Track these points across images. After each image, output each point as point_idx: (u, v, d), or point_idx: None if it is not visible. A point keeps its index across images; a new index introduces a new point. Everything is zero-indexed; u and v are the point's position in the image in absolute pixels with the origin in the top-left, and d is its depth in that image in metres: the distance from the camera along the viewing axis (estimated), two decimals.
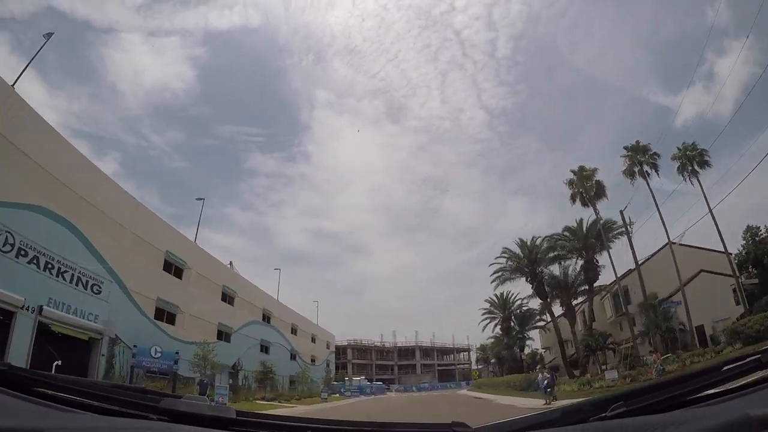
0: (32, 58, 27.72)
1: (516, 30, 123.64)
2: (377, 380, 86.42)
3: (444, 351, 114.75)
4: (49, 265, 22.97)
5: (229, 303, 45.45)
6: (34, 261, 21.93)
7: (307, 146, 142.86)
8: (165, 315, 33.91)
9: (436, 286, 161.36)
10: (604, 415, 1.62)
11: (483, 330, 71.84)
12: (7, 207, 20.38)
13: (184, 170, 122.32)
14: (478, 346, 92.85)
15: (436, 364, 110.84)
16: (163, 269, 34.81)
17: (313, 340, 72.56)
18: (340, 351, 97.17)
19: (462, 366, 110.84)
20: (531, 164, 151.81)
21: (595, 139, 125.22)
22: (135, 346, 27.56)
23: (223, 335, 41.34)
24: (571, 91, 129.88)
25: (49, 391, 1.69)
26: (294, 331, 63.62)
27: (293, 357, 60.96)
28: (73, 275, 24.70)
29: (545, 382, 29.39)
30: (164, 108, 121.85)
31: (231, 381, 41.10)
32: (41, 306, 21.70)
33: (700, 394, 1.72)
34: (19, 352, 20.06)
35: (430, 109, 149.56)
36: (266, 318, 54.59)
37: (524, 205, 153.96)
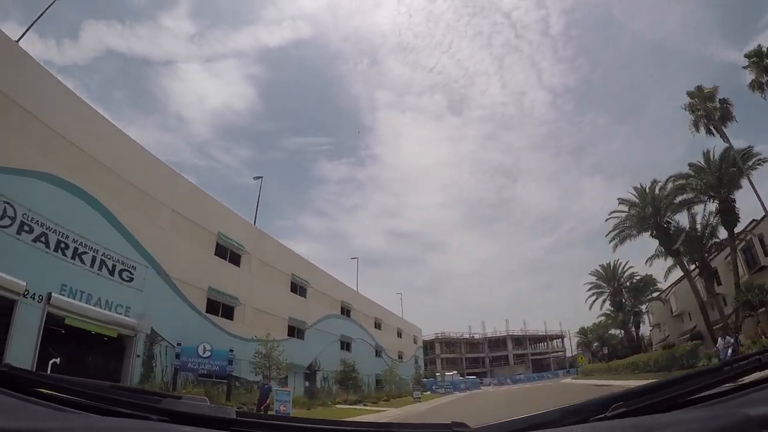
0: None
1: (566, 4, 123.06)
2: (468, 374, 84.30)
3: (536, 339, 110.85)
4: (62, 245, 19.60)
5: (300, 295, 41.48)
6: (42, 239, 18.65)
7: (374, 148, 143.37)
8: (220, 308, 30.09)
9: (519, 277, 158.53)
10: (604, 415, 1.61)
11: (590, 307, 67.00)
12: (7, 174, 17.49)
13: (255, 185, 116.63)
14: (576, 330, 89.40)
15: (529, 354, 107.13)
16: (215, 254, 30.75)
17: (399, 334, 68.97)
18: (428, 346, 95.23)
19: (556, 354, 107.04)
20: (601, 141, 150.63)
21: (664, 106, 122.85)
22: (179, 344, 23.95)
23: (295, 331, 37.33)
24: (634, 60, 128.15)
25: (49, 392, 1.71)
26: (378, 326, 59.94)
27: (378, 354, 57.40)
28: (94, 258, 21.25)
29: (728, 349, 23.92)
30: (230, 128, 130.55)
31: (307, 383, 38.33)
32: (50, 293, 18.32)
33: (700, 394, 1.70)
34: (22, 349, 17.05)
35: (491, 97, 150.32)
36: (346, 311, 51.11)
37: (600, 183, 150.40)
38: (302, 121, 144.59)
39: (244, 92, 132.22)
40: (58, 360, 16.81)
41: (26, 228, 17.60)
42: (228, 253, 31.40)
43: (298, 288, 40.43)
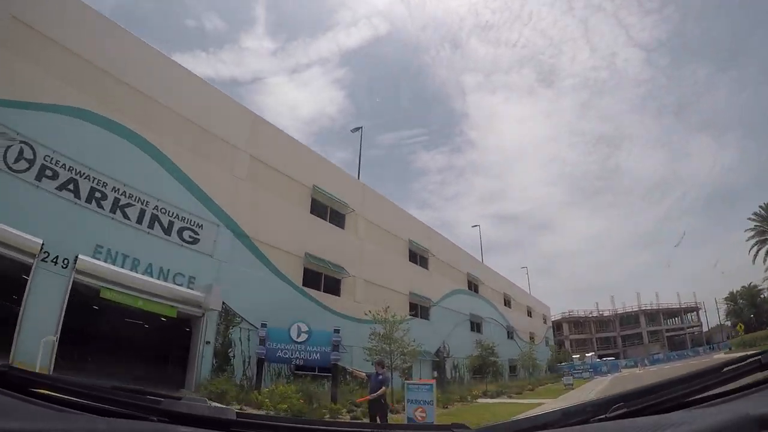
0: None
1: None
2: (599, 356, 77.02)
3: (670, 313, 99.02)
4: (98, 195, 15.72)
5: (421, 265, 35.22)
6: (69, 187, 14.95)
7: (469, 133, 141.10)
8: (322, 280, 24.65)
9: (634, 250, 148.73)
10: (605, 415, 1.63)
11: (754, 259, 59.31)
12: (26, 109, 14.33)
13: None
14: (722, 299, 77.56)
15: (664, 330, 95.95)
16: (312, 213, 25.13)
17: (530, 313, 62.93)
18: (554, 327, 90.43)
19: (692, 330, 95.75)
20: (704, 94, 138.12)
21: None
22: (263, 325, 18.40)
23: (418, 309, 30.76)
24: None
25: (49, 392, 1.68)
26: (507, 303, 53.55)
27: (510, 335, 51.07)
28: (143, 212, 16.93)
29: None
30: (326, 132, 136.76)
31: (436, 373, 31.18)
32: (77, 256, 14.11)
33: (700, 395, 1.73)
34: (38, 332, 12.33)
35: (581, 63, 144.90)
36: (473, 286, 44.25)
37: (708, 141, 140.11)
38: (394, 115, 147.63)
39: (333, 97, 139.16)
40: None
41: (48, 173, 14.45)
42: (328, 211, 26.15)
43: (417, 257, 34.68)
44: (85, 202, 15.06)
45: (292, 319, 18.09)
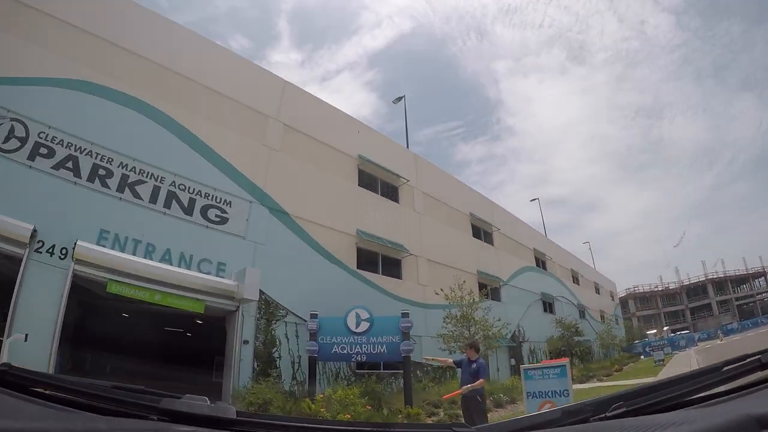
0: None
1: None
2: (672, 331, 72.52)
3: (738, 280, 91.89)
4: (101, 172, 13.38)
5: (486, 241, 31.61)
6: (68, 165, 12.91)
7: (507, 120, 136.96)
8: (380, 261, 21.45)
9: (687, 222, 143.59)
10: (604, 415, 1.61)
11: None
12: (25, 84, 12.90)
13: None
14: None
15: (734, 299, 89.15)
16: (360, 185, 22.02)
17: (597, 290, 58.58)
18: (621, 304, 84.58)
19: (761, 296, 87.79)
20: (741, 52, 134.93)
21: None
22: (313, 315, 15.36)
23: (487, 290, 25.43)
24: None
25: (49, 392, 1.70)
26: (575, 280, 49.47)
27: (582, 314, 46.52)
28: (156, 189, 14.32)
29: None
30: None
31: (513, 360, 28.16)
32: (76, 242, 11.86)
33: (700, 395, 1.73)
34: (33, 336, 10.45)
35: (610, 35, 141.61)
36: (540, 263, 40.73)
37: (751, 101, 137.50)
38: (429, 111, 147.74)
39: (366, 99, 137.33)
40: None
41: (43, 151, 12.71)
42: (378, 183, 23.14)
43: (481, 232, 31.32)
44: (87, 181, 13.02)
45: (348, 308, 15.23)
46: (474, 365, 8.51)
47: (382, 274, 20.66)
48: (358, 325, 14.73)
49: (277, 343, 14.96)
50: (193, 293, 12.93)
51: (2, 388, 1.60)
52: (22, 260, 11.01)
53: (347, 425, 1.83)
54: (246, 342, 13.94)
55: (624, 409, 1.60)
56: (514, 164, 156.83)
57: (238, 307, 13.81)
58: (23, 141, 12.26)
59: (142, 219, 13.41)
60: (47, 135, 12.72)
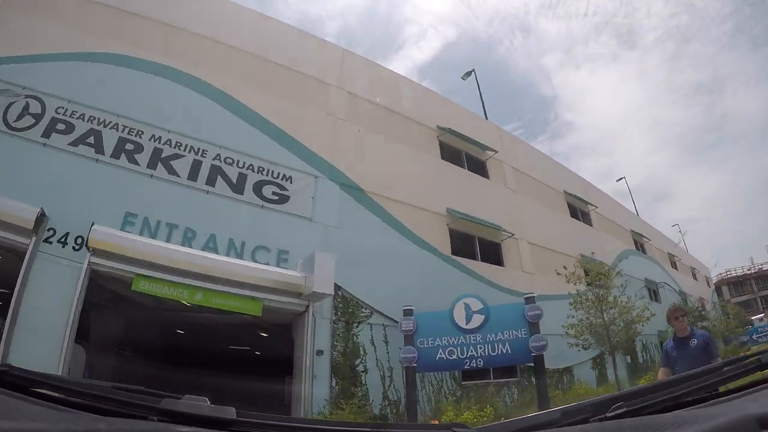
0: None
1: None
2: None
3: None
4: (128, 146, 11.21)
5: (584, 221, 26.80)
6: (88, 140, 10.93)
7: (565, 116, 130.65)
8: (476, 246, 17.39)
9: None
10: (604, 415, 1.55)
11: None
12: (44, 61, 11.55)
13: None
14: None
15: None
16: (443, 158, 18.29)
17: (694, 275, 50.86)
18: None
19: None
20: None
21: None
22: (408, 312, 11.50)
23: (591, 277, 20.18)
24: None
25: (49, 392, 1.63)
26: (674, 265, 42.74)
27: (685, 302, 39.41)
28: (197, 164, 11.78)
29: None
30: None
31: (629, 358, 23.71)
32: (92, 226, 9.43)
33: (700, 395, 1.67)
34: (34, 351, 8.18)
35: (658, 14, 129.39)
36: (638, 245, 35.23)
37: None
38: (486, 115, 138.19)
39: None
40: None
41: (60, 127, 10.78)
42: (463, 157, 19.42)
43: (578, 212, 26.78)
44: (111, 157, 10.89)
45: (453, 299, 11.83)
46: (695, 341, 5.47)
47: (482, 260, 17.14)
48: (469, 319, 11.18)
49: (361, 352, 11.53)
50: (246, 290, 9.41)
51: (2, 389, 1.52)
52: (26, 252, 8.69)
53: (347, 425, 1.72)
54: (320, 353, 10.58)
55: (624, 409, 1.53)
56: (578, 160, 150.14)
57: (308, 306, 10.50)
58: (38, 118, 10.71)
59: (178, 199, 11.09)
60: (66, 110, 11.05)
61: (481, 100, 27.96)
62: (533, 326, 10.91)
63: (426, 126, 18.33)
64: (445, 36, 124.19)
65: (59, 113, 10.94)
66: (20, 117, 10.62)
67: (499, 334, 10.97)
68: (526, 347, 10.69)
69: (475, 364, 11.05)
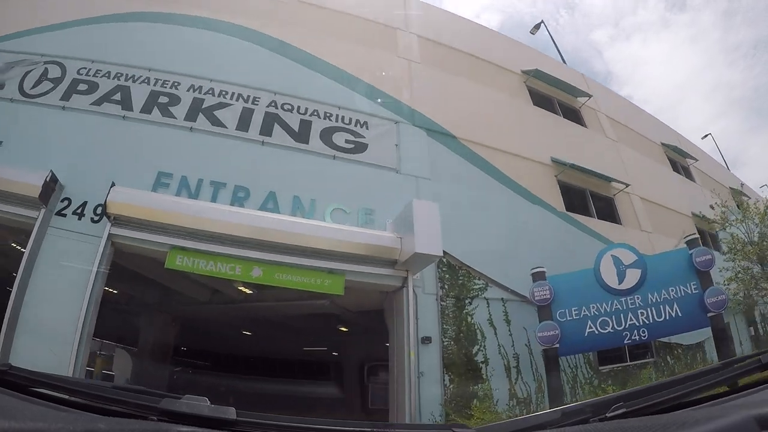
0: None
1: None
2: None
3: None
4: (163, 99, 9.38)
5: (686, 176, 22.03)
6: (114, 97, 9.24)
7: (621, 91, 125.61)
8: (588, 200, 13.62)
9: None
10: (604, 415, 1.50)
11: None
12: (68, 27, 10.43)
13: None
14: None
15: None
16: (535, 104, 14.92)
17: None
18: None
19: None
20: None
21: None
22: (539, 276, 8.31)
23: (707, 238, 18.00)
24: None
25: (49, 392, 1.59)
26: None
27: None
28: (247, 112, 9.48)
29: None
30: None
31: (751, 329, 18.76)
32: (112, 185, 6.99)
33: (700, 395, 1.62)
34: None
35: None
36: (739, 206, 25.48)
37: None
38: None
39: None
40: None
41: (82, 87, 9.31)
42: (555, 103, 16.04)
43: (678, 166, 22.29)
44: (141, 113, 9.09)
45: (599, 252, 9.04)
46: None
47: (597, 216, 14.28)
48: (621, 277, 8.34)
49: (479, 336, 8.28)
50: (322, 260, 6.60)
51: (2, 388, 1.49)
52: (32, 229, 6.80)
53: (347, 425, 1.61)
54: (427, 340, 7.51)
55: (624, 409, 1.48)
56: None
57: (406, 278, 7.53)
58: (57, 82, 9.44)
59: (226, 153, 8.87)
60: (89, 70, 9.71)
61: (558, 50, 24.57)
62: (704, 277, 7.86)
63: (510, 71, 15.41)
64: (490, 24, 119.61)
65: (81, 74, 9.51)
66: (37, 83, 9.29)
67: (663, 292, 7.97)
68: (699, 306, 7.71)
69: (637, 337, 8.24)
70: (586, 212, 13.72)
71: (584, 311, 8.13)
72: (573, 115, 16.92)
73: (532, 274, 8.57)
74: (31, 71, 9.59)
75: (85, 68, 9.61)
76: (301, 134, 9.64)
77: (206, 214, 7.05)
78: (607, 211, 14.85)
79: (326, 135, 9.76)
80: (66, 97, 9.08)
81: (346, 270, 7.57)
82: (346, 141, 10.08)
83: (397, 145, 10.41)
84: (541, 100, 16.01)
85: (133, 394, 1.57)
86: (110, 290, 8.24)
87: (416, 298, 8.28)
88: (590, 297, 8.30)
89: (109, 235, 6.91)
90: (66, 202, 7.62)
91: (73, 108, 8.89)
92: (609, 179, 14.78)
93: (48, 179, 7.13)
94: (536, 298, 8.24)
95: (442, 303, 8.68)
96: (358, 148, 10.02)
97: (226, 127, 9.09)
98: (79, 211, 7.54)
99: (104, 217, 7.19)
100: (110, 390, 1.59)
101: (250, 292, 9.29)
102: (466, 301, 8.93)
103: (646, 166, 19.34)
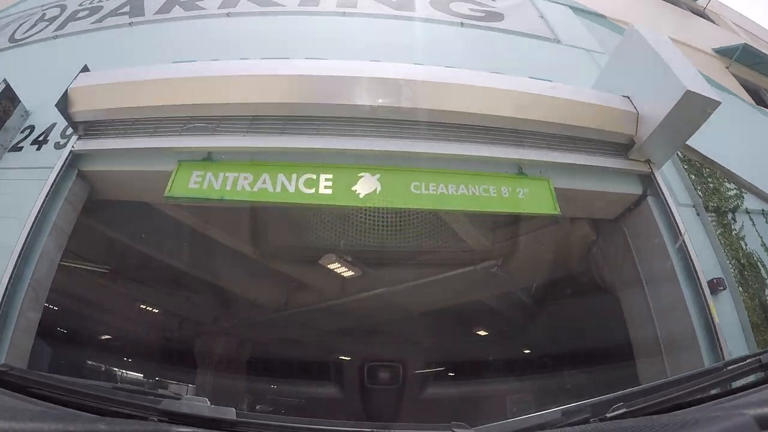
0: None
1: None
2: None
3: None
4: None
5: None
6: (123, 10, 7.78)
7: None
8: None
9: None
10: (604, 416, 1.48)
11: None
12: None
13: None
14: None
15: None
16: None
17: None
18: None
19: None
20: None
21: None
22: None
23: None
24: None
25: (49, 392, 1.57)
26: None
27: None
28: None
29: None
30: None
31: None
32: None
33: (700, 395, 1.58)
34: None
35: None
36: None
37: None
38: None
39: None
40: None
41: (82, 15, 8.18)
42: None
43: None
44: (157, 14, 7.14)
45: None
46: None
47: None
48: None
49: (763, 272, 4.33)
50: (497, 146, 2.98)
51: (2, 389, 1.47)
52: None
53: (347, 425, 1.61)
54: (720, 285, 3.52)
55: (624, 410, 1.45)
56: None
57: (649, 175, 3.47)
58: (53, 20, 7.96)
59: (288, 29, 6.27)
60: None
61: None
62: None
63: None
64: None
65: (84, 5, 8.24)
66: (31, 28, 8.10)
67: None
68: None
69: None
70: None
71: None
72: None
73: None
74: (26, 21, 8.43)
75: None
76: (402, 2, 6.36)
77: (251, 71, 3.49)
78: None
79: (440, 2, 7.31)
80: (60, 28, 7.71)
81: (550, 164, 3.93)
82: (471, 10, 7.08)
83: (542, 17, 7.80)
84: None
85: (133, 394, 1.54)
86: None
87: (670, 213, 4.55)
88: None
89: (73, 156, 3.64)
90: (27, 130, 5.24)
91: (66, 34, 7.38)
92: None
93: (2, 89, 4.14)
94: None
95: (710, 216, 4.89)
96: (490, 17, 6.60)
97: (284, 6, 6.00)
98: (40, 138, 4.53)
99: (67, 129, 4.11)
100: (110, 390, 1.57)
101: (352, 273, 5.88)
102: (730, 216, 5.15)
103: None
